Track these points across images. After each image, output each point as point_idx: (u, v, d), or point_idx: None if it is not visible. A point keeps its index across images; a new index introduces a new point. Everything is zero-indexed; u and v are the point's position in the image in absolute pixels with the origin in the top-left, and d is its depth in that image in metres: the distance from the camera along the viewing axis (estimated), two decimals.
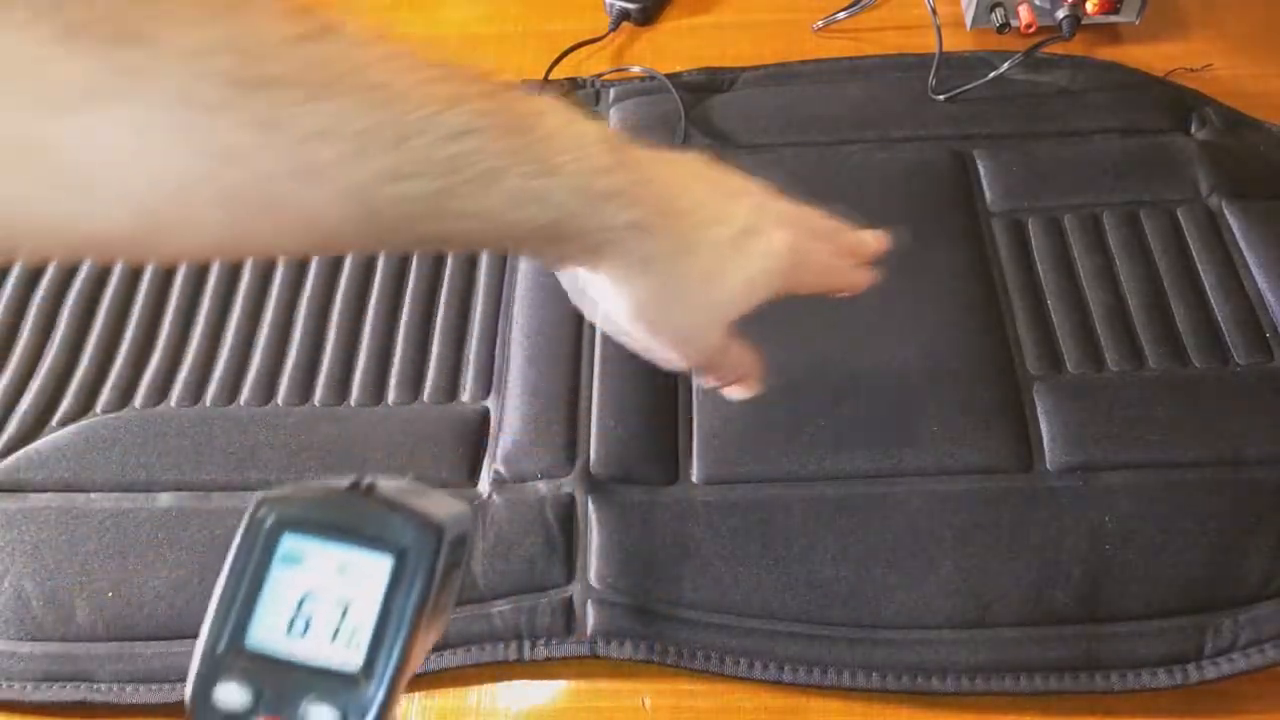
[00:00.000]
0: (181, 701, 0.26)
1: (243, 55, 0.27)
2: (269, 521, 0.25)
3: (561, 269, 0.39)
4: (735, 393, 0.46)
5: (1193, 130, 0.65)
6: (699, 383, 0.45)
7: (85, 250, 0.29)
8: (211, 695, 0.24)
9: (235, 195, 0.28)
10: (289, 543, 0.24)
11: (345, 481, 0.25)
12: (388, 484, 0.26)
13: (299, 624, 0.24)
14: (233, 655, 0.24)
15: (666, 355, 0.41)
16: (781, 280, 0.40)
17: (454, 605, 0.26)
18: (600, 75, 0.72)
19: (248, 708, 0.24)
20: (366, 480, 0.26)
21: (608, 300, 0.39)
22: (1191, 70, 0.70)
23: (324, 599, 0.24)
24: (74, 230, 0.27)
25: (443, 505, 0.26)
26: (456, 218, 0.32)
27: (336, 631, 0.24)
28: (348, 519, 0.24)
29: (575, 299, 0.42)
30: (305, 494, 0.25)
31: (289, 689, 0.23)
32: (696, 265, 0.37)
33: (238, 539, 0.25)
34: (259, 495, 0.25)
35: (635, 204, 0.35)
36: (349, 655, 0.24)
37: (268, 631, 0.24)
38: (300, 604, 0.24)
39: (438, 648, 0.48)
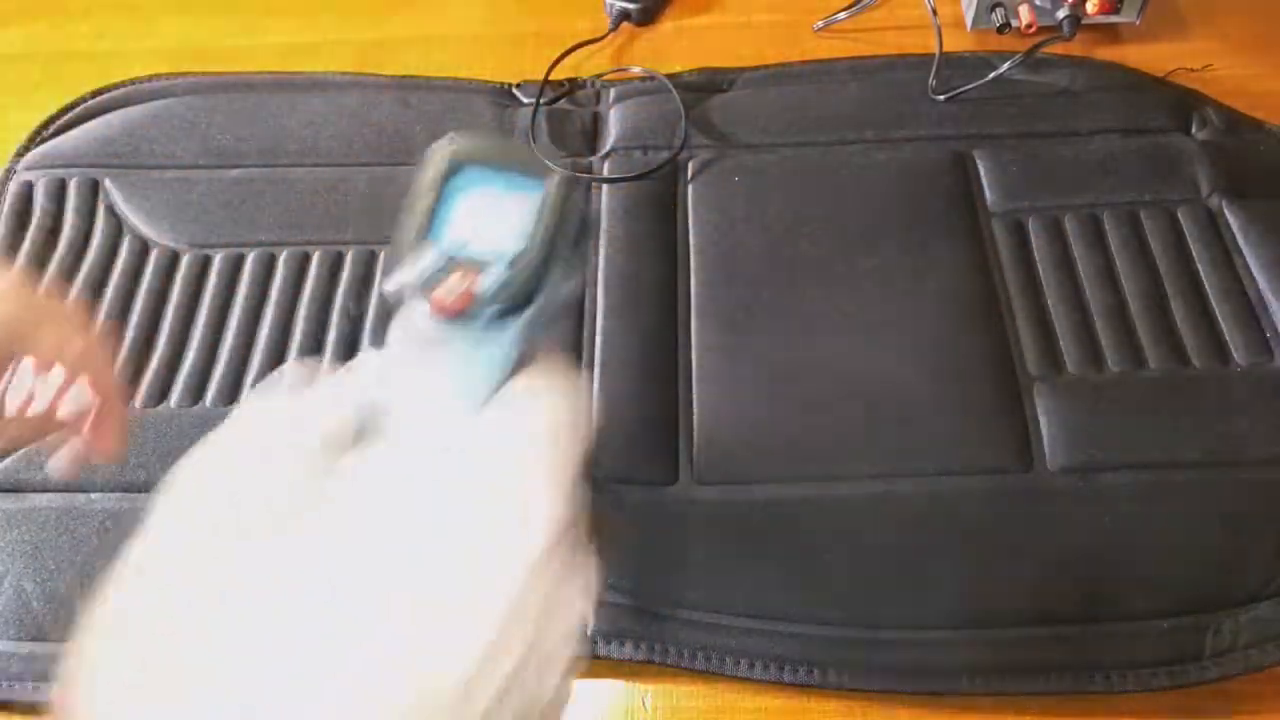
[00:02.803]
0: None
1: None
2: (450, 155, 0.32)
3: None
4: None
5: (1193, 130, 0.65)
6: None
7: None
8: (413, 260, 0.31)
9: None
10: (466, 172, 0.32)
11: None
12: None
13: (471, 226, 0.31)
14: (424, 243, 0.31)
15: None
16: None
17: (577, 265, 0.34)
18: (600, 75, 0.72)
19: (440, 268, 0.31)
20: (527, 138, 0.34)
21: None
22: (1191, 70, 0.70)
23: (491, 211, 0.32)
24: None
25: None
26: None
27: (499, 233, 0.31)
28: (511, 159, 0.32)
29: None
30: (483, 138, 0.33)
31: (469, 258, 0.31)
32: None
33: (428, 169, 0.32)
34: (451, 134, 0.33)
35: None
36: (511, 244, 0.31)
37: (449, 228, 0.31)
38: (472, 213, 0.32)
39: None
